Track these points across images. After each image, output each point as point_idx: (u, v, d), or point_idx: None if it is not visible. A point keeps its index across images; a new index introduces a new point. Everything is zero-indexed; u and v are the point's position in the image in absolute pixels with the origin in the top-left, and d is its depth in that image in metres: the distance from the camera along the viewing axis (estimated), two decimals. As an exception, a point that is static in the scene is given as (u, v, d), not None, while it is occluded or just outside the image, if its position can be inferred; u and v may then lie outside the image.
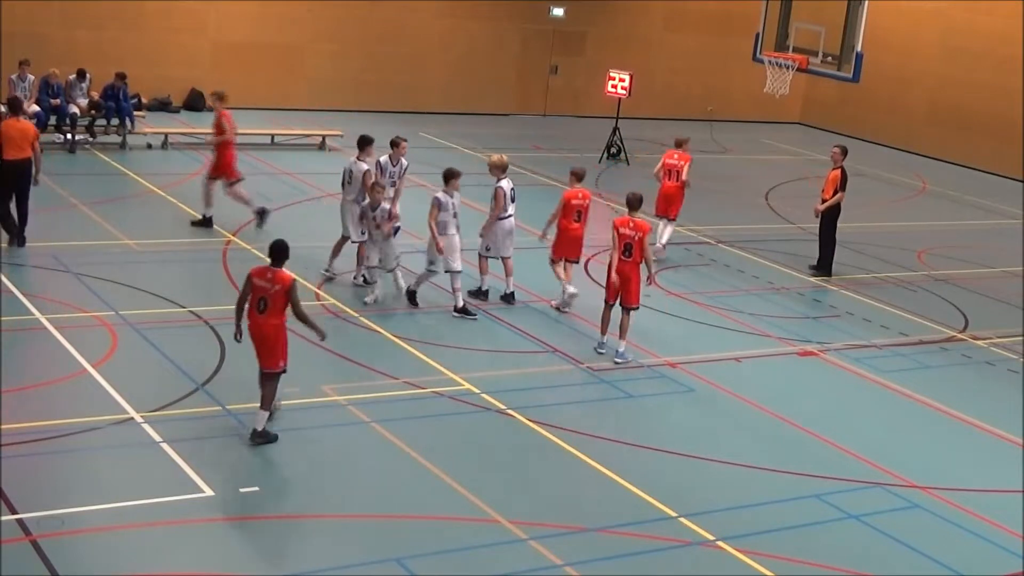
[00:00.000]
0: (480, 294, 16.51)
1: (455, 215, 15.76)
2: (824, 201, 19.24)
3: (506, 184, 16.42)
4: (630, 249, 14.69)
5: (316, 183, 22.34)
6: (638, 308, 14.97)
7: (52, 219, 18.60)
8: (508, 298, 16.52)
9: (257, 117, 27.66)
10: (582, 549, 10.33)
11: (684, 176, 19.80)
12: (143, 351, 13.69)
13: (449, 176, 15.82)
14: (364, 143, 16.75)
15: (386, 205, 15.52)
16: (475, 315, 15.78)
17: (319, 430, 12.27)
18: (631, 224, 14.74)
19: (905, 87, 32.70)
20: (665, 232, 19.77)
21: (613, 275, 14.80)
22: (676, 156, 19.97)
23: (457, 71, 31.67)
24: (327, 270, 16.73)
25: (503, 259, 16.57)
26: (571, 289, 16.48)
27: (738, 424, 13.48)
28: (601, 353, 14.88)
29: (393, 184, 16.86)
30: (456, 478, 11.33)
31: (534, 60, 32.70)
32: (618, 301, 14.86)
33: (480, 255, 16.66)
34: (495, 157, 16.75)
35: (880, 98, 32.80)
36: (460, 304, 15.76)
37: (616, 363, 14.68)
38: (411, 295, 16.04)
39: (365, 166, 16.50)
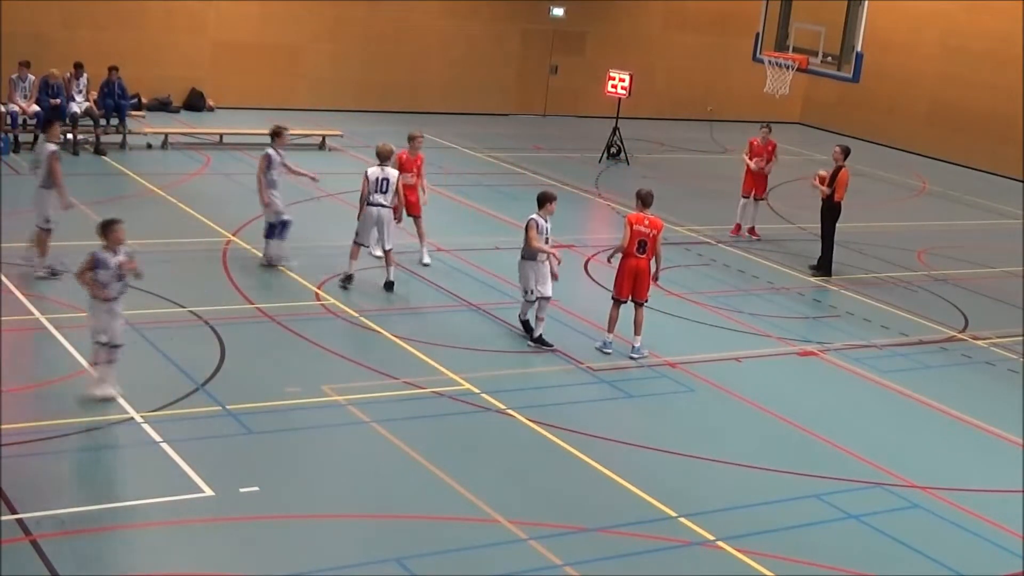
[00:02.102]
0: (346, 279, 16.38)
1: (547, 240, 14.88)
2: (823, 183, 19.34)
3: (372, 171, 16.25)
4: (644, 245, 14.73)
5: (316, 183, 22.28)
6: (647, 302, 14.97)
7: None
8: (387, 287, 16.43)
9: (257, 117, 27.67)
10: (582, 549, 10.33)
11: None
12: (143, 351, 13.69)
13: (544, 200, 14.89)
14: (49, 124, 16.83)
15: (125, 252, 12.41)
16: (551, 345, 14.86)
17: (319, 430, 12.27)
18: (646, 222, 14.77)
19: (905, 87, 32.70)
20: (749, 212, 21.42)
21: (613, 262, 14.95)
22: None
23: (457, 71, 31.68)
24: (39, 270, 16.11)
25: (385, 251, 16.48)
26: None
27: (738, 424, 13.47)
28: (607, 353, 14.85)
29: (283, 173, 17.20)
30: (456, 478, 11.33)
31: (534, 60, 32.71)
32: (629, 297, 14.89)
33: (354, 241, 16.54)
34: (379, 144, 16.69)
35: (880, 98, 32.80)
36: (538, 333, 14.91)
37: (632, 359, 14.69)
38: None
39: (52, 147, 16.13)
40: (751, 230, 21.39)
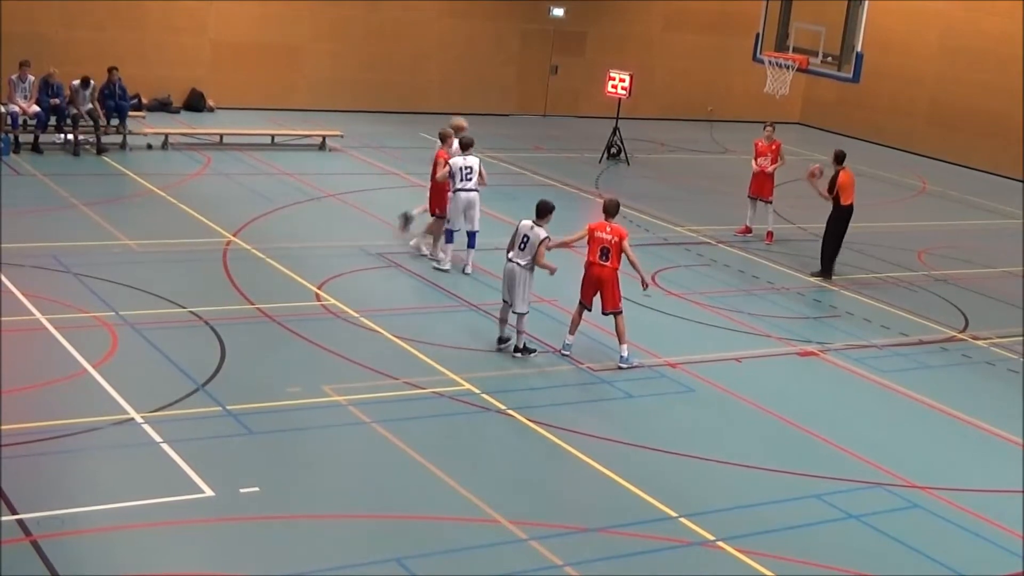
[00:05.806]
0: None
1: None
2: (816, 176, 19.39)
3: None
4: (607, 253, 14.52)
5: (316, 183, 22.33)
6: (621, 312, 14.68)
7: (52, 219, 18.61)
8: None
9: (257, 117, 27.71)
10: (582, 549, 10.33)
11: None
12: (143, 351, 13.69)
13: (548, 210, 14.65)
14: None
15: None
16: (535, 349, 14.77)
17: (319, 430, 12.28)
18: (607, 228, 14.60)
19: (905, 87, 32.70)
20: (760, 214, 21.52)
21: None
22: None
23: (457, 71, 31.67)
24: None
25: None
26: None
27: (738, 424, 13.47)
28: (565, 355, 14.70)
29: None
30: (456, 478, 11.33)
31: (534, 60, 32.70)
32: (591, 303, 14.74)
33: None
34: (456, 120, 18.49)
35: (880, 98, 32.80)
36: (521, 344, 14.64)
37: (621, 368, 14.62)
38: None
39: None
40: (768, 235, 21.25)
